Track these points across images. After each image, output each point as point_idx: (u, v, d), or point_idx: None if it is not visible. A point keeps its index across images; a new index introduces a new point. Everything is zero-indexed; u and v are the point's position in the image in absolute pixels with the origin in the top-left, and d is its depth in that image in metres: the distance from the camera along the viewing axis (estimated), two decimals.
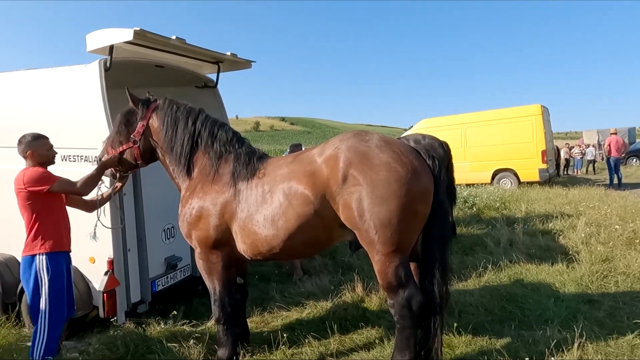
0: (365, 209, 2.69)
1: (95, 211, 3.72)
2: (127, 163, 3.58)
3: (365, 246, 2.85)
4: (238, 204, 3.13)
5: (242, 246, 3.18)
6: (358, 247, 3.00)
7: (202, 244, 3.29)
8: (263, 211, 3.01)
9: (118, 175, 3.64)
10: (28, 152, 3.36)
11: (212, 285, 3.37)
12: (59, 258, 3.38)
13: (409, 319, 2.79)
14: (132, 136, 3.49)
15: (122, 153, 3.51)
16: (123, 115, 3.56)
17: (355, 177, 2.73)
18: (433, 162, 2.92)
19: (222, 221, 3.19)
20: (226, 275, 3.35)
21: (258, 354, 3.55)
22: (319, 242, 3.05)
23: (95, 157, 3.86)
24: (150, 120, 3.50)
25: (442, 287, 2.88)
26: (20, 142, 3.38)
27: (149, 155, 3.61)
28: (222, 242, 3.24)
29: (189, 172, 3.43)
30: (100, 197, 3.68)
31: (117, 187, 3.71)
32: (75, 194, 3.48)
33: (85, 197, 3.69)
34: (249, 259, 3.27)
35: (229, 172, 3.25)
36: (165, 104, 3.50)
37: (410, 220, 2.72)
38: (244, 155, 3.29)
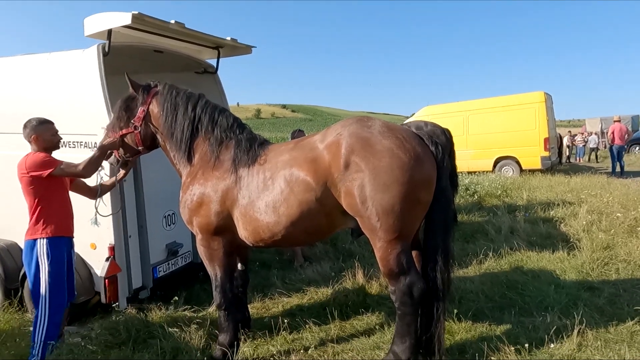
0: (368, 195, 2.67)
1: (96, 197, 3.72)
2: (129, 148, 3.56)
3: (367, 233, 2.84)
4: (239, 191, 3.12)
5: (243, 233, 3.17)
6: (360, 234, 2.99)
7: (203, 230, 3.29)
8: (264, 198, 2.99)
9: (121, 161, 3.62)
10: (33, 137, 3.35)
11: (214, 271, 3.37)
12: (60, 243, 3.39)
13: (409, 306, 2.79)
14: (132, 121, 3.47)
15: (122, 137, 3.49)
16: (123, 101, 3.54)
17: (357, 163, 2.70)
18: (436, 148, 2.88)
19: (224, 207, 3.18)
20: (227, 261, 3.35)
21: (259, 339, 3.57)
22: (320, 229, 3.03)
23: (95, 143, 3.84)
24: (151, 106, 3.47)
25: (444, 274, 2.87)
26: (25, 126, 3.38)
27: (150, 141, 3.59)
28: (223, 228, 3.23)
29: (189, 158, 3.41)
30: (101, 184, 3.67)
31: (120, 174, 3.70)
32: (77, 176, 3.46)
33: (89, 184, 3.69)
34: (251, 245, 3.26)
35: (230, 158, 3.22)
36: (165, 90, 3.46)
37: (412, 207, 2.70)
38: (245, 142, 3.26)
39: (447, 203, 2.93)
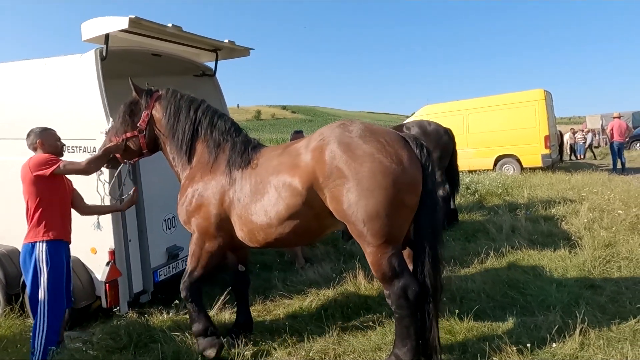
0: (352, 201, 2.67)
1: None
2: (131, 152, 3.63)
3: (356, 238, 2.85)
4: (235, 193, 3.18)
5: (240, 233, 3.24)
6: (350, 236, 3.00)
7: (201, 231, 3.34)
8: (257, 201, 3.07)
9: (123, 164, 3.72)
10: (38, 141, 3.41)
11: (193, 267, 3.42)
12: (60, 247, 3.40)
13: (406, 309, 2.78)
14: (138, 125, 3.53)
15: (125, 141, 3.55)
16: (127, 105, 3.61)
17: (340, 169, 2.71)
18: (421, 150, 2.84)
19: (222, 209, 3.23)
20: (213, 264, 3.43)
21: (261, 342, 3.56)
22: (310, 231, 3.09)
23: (94, 147, 3.85)
24: (154, 110, 3.56)
25: (433, 278, 2.83)
26: (28, 135, 3.45)
27: (154, 144, 3.66)
28: (221, 230, 3.29)
29: (189, 159, 3.47)
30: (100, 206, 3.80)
31: (132, 196, 3.85)
32: (79, 172, 3.48)
33: (87, 204, 3.77)
34: (249, 245, 3.31)
35: (225, 160, 3.29)
36: (169, 94, 3.56)
37: (398, 211, 2.68)
38: (240, 144, 3.33)
39: (433, 206, 2.88)
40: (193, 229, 3.39)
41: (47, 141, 3.45)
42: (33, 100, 4.39)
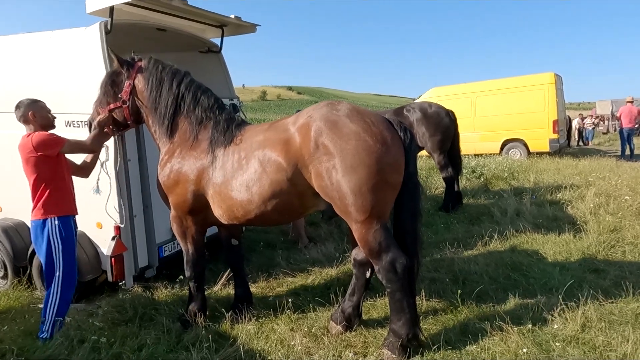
0: (336, 177, 2.73)
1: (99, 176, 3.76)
2: (117, 123, 3.62)
3: (342, 215, 2.90)
4: (215, 170, 3.19)
5: (218, 211, 3.27)
6: (331, 216, 3.04)
7: (178, 208, 3.39)
8: (238, 177, 3.07)
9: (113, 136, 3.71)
10: (30, 113, 3.34)
11: (186, 247, 3.52)
12: (69, 222, 3.43)
13: (395, 282, 2.83)
14: (120, 96, 3.50)
15: (111, 112, 3.53)
16: (108, 76, 3.59)
17: (325, 145, 2.76)
18: (405, 133, 2.93)
19: (199, 187, 3.26)
20: (199, 238, 3.52)
21: (263, 318, 3.61)
22: (292, 209, 3.12)
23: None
24: (136, 80, 3.50)
25: (411, 257, 2.92)
26: (18, 106, 3.37)
27: (137, 115, 3.63)
28: (198, 207, 3.33)
29: (171, 135, 3.45)
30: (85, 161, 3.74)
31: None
32: (87, 151, 3.56)
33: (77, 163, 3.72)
34: (226, 223, 3.35)
35: (208, 138, 3.29)
36: (150, 64, 3.49)
37: (381, 188, 2.74)
38: (223, 122, 3.32)
39: (414, 188, 2.99)
40: (171, 206, 3.44)
41: (39, 112, 3.38)
42: (39, 73, 4.36)
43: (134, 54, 3.61)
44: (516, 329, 3.12)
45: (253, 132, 3.20)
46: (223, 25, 5.05)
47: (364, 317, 3.55)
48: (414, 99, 21.99)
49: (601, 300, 3.58)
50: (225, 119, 3.35)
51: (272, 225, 5.58)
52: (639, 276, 4.10)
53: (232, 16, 4.83)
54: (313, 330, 3.38)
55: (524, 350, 2.90)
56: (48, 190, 3.31)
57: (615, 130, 22.71)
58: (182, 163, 3.32)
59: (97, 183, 3.84)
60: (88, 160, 3.71)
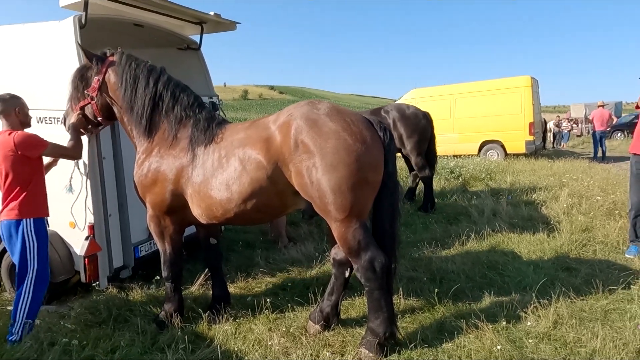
0: (316, 175, 2.73)
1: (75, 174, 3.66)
2: (89, 121, 3.55)
3: (321, 214, 2.90)
4: (194, 169, 3.15)
5: (197, 210, 3.23)
6: (311, 215, 3.04)
7: (156, 207, 3.34)
8: (218, 175, 3.04)
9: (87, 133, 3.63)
10: (16, 109, 3.27)
11: (163, 247, 3.47)
12: (44, 222, 3.37)
13: (374, 281, 2.85)
14: (86, 92, 3.43)
15: (82, 109, 3.47)
16: (78, 71, 3.51)
17: (305, 144, 2.76)
18: (384, 133, 2.95)
19: (178, 186, 3.22)
20: (177, 238, 3.48)
21: (241, 318, 3.57)
22: (272, 208, 3.11)
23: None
24: (106, 76, 3.42)
25: (389, 256, 2.94)
26: (1, 99, 3.27)
27: (108, 112, 3.55)
28: (176, 206, 3.29)
29: (149, 134, 3.38)
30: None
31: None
32: (68, 157, 3.49)
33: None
34: (204, 223, 3.32)
35: (187, 137, 3.24)
36: (123, 59, 3.39)
37: (360, 187, 2.75)
38: (203, 121, 3.27)
39: (394, 187, 3.01)
40: (148, 206, 3.39)
41: (23, 109, 3.32)
42: (10, 68, 4.21)
43: (108, 49, 3.52)
44: (491, 326, 3.18)
45: (234, 131, 3.17)
46: (202, 22, 4.98)
47: (343, 316, 3.55)
48: (395, 100, 22.18)
49: (572, 298, 3.68)
50: (205, 117, 3.30)
51: (251, 225, 5.54)
52: (609, 274, 4.23)
53: (212, 13, 4.78)
54: (291, 330, 3.37)
55: (498, 347, 2.96)
56: (25, 192, 3.22)
57: (588, 133, 23.37)
58: (160, 162, 3.26)
59: (70, 181, 3.76)
60: (51, 160, 3.63)
